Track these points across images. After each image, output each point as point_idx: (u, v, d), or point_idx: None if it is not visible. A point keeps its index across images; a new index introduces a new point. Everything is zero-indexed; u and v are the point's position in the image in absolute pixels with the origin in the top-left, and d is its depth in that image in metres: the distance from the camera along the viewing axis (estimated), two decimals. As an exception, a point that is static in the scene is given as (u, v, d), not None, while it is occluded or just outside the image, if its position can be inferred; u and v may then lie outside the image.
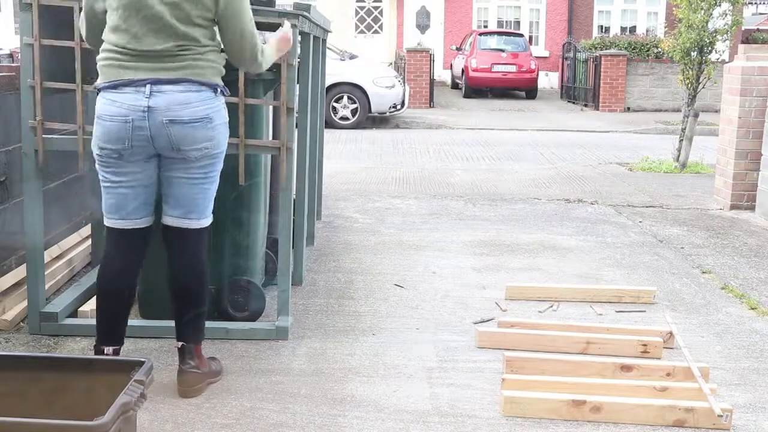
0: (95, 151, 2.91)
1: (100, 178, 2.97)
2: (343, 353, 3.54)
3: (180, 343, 3.09)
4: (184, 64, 2.84)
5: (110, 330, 3.05)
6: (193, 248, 3.05)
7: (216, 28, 2.95)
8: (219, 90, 2.94)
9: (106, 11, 2.90)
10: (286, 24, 3.32)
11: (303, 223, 4.41)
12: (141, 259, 3.08)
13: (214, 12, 2.89)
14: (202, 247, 3.07)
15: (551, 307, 4.25)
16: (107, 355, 2.99)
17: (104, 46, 2.90)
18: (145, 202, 2.99)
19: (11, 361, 2.52)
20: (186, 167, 2.93)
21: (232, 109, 3.53)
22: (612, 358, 3.42)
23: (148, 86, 2.80)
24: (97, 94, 2.90)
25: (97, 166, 2.96)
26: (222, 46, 3.00)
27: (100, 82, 2.89)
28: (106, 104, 2.84)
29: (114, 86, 2.83)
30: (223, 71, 3.00)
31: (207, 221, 3.08)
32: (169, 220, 3.03)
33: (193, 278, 3.06)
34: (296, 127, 3.93)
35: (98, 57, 2.92)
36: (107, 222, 3.02)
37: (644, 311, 4.24)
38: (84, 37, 3.12)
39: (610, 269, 5.04)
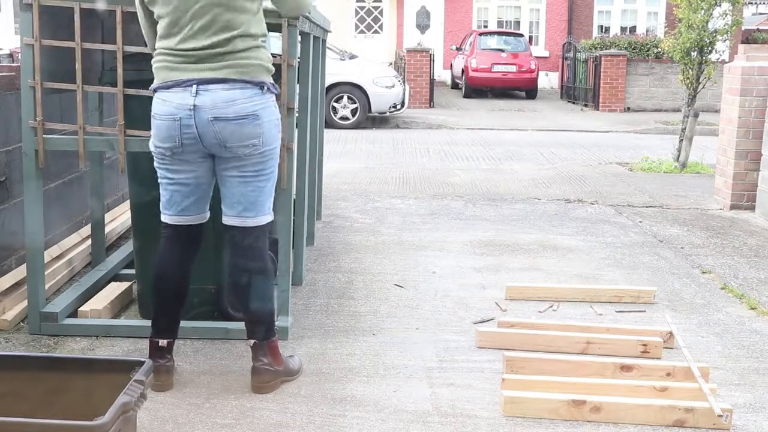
0: (152, 149, 3.01)
1: (158, 174, 3.05)
2: (343, 353, 3.54)
3: (251, 341, 3.14)
4: (229, 63, 2.88)
5: (164, 323, 3.14)
6: (252, 246, 3.08)
7: (261, 15, 3.00)
8: (266, 87, 2.96)
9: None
10: None
11: (303, 223, 4.41)
12: (194, 255, 3.16)
13: None
14: (261, 244, 3.09)
15: (551, 307, 4.25)
16: (161, 347, 3.09)
17: (157, 50, 2.98)
18: (199, 200, 3.07)
19: (11, 361, 2.52)
20: (238, 165, 2.96)
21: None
22: (612, 358, 3.42)
23: (195, 86, 2.86)
24: (153, 95, 2.98)
25: (155, 163, 3.04)
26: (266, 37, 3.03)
27: (154, 84, 2.97)
28: (158, 103, 2.93)
29: (167, 87, 2.91)
30: (272, 69, 3.01)
31: (266, 218, 3.09)
32: (227, 219, 3.07)
33: (253, 276, 3.08)
34: (296, 127, 3.93)
35: (153, 60, 3.00)
36: (162, 217, 3.10)
37: (644, 311, 4.24)
38: (149, 47, 3.18)
39: (610, 269, 5.04)
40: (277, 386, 3.13)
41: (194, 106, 2.85)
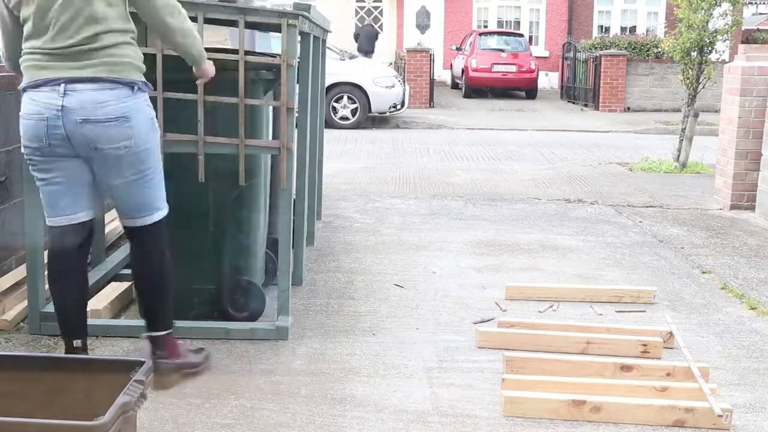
0: (23, 150, 2.96)
1: (34, 177, 3.00)
2: (343, 353, 3.54)
3: (146, 335, 3.13)
4: (98, 61, 2.83)
5: (72, 325, 3.10)
6: (149, 243, 3.09)
7: (127, 10, 2.92)
8: (137, 87, 2.91)
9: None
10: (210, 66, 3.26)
11: (303, 223, 4.41)
12: (86, 253, 3.12)
13: None
14: (157, 241, 3.09)
15: (551, 307, 4.25)
16: (77, 348, 3.05)
17: (25, 50, 2.91)
18: (77, 198, 2.99)
19: (11, 361, 2.52)
20: (115, 166, 2.91)
21: (231, 109, 3.55)
22: (612, 358, 3.42)
23: (63, 85, 2.80)
24: (22, 95, 2.92)
25: (29, 166, 3.00)
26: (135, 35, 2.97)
27: (23, 83, 2.92)
28: (27, 103, 2.88)
29: (35, 86, 2.85)
30: (143, 67, 2.97)
31: (158, 215, 3.07)
32: (122, 220, 3.10)
33: (152, 272, 3.10)
34: (296, 127, 3.93)
35: (20, 60, 2.93)
36: (47, 221, 3.05)
37: (644, 311, 4.24)
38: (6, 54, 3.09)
39: (610, 269, 5.04)
40: (177, 381, 3.09)
41: (62, 107, 2.80)
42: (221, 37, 9.16)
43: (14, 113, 4.00)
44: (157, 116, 3.09)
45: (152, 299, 3.12)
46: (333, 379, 3.27)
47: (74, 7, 2.80)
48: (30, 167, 2.98)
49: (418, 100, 17.07)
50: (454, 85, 21.71)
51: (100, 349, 3.51)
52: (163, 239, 3.11)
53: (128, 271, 4.38)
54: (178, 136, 3.57)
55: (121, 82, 2.85)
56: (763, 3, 28.01)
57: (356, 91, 13.77)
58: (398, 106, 14.26)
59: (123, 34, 2.89)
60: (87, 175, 2.96)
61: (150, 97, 3.13)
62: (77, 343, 3.06)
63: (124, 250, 4.71)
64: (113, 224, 5.23)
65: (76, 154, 2.89)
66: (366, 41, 20.26)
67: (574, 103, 19.32)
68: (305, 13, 3.84)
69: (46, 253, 3.36)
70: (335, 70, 12.67)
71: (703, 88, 9.48)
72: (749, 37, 22.07)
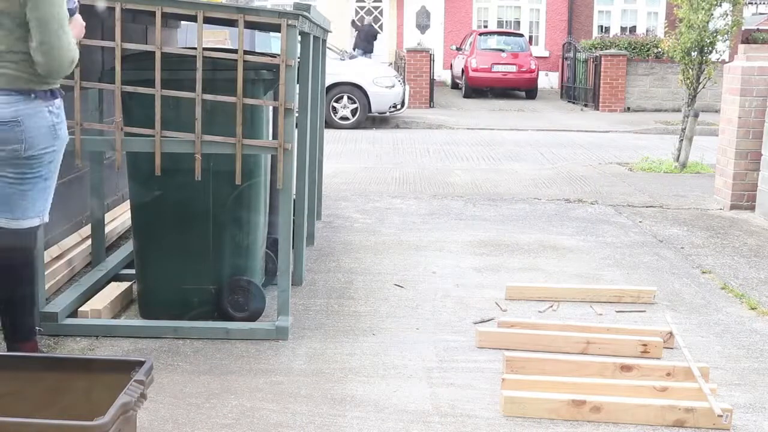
0: None
1: None
2: (343, 353, 3.54)
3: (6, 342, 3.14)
4: None
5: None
6: (14, 247, 3.05)
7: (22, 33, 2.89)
8: (34, 95, 2.93)
9: None
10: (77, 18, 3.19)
11: (303, 223, 4.41)
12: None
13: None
14: (23, 246, 3.06)
15: (551, 307, 4.25)
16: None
17: None
18: None
19: (11, 361, 2.52)
20: (0, 166, 2.94)
21: (232, 108, 3.54)
22: (612, 358, 3.42)
23: None
24: None
25: None
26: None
27: None
28: None
29: None
30: (41, 78, 2.93)
31: (27, 223, 3.05)
32: None
33: (13, 278, 3.07)
34: (296, 127, 3.93)
35: None
36: None
37: (644, 311, 4.24)
38: None
39: (610, 269, 5.04)
40: None
41: None
42: (221, 37, 9.16)
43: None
44: (154, 115, 3.07)
45: (13, 307, 3.10)
46: (333, 379, 3.27)
47: None
48: None
49: (418, 100, 17.07)
50: (454, 85, 21.71)
51: (100, 349, 3.51)
52: (28, 249, 3.08)
53: (128, 271, 4.40)
54: (175, 134, 3.57)
55: (15, 90, 2.89)
56: (763, 3, 28.00)
57: (356, 91, 13.77)
58: (398, 106, 14.26)
59: (18, 55, 2.88)
60: None
61: (149, 96, 3.11)
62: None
63: (124, 250, 4.71)
64: (113, 224, 5.23)
65: None
66: (364, 40, 20.24)
67: (574, 103, 19.32)
68: (305, 13, 3.84)
69: (46, 253, 3.37)
70: (335, 70, 12.67)
71: (703, 88, 9.48)
72: (749, 37, 22.05)
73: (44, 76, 2.93)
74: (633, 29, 23.16)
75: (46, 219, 3.14)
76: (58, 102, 3.04)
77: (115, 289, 4.13)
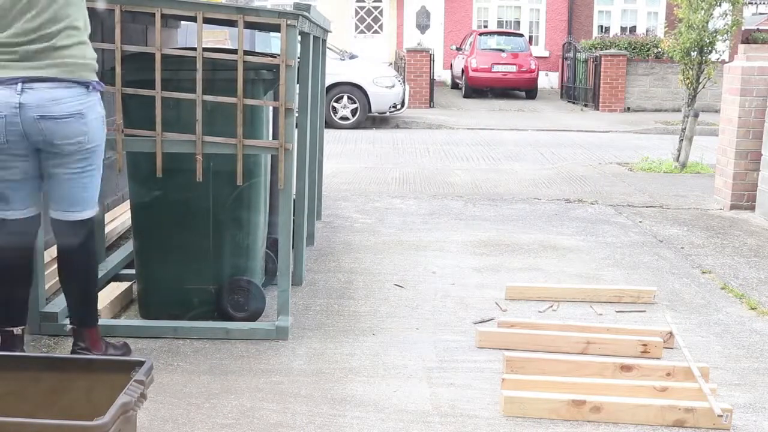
0: None
1: None
2: (343, 353, 3.54)
3: (71, 327, 3.28)
4: (56, 62, 2.90)
5: (9, 311, 3.17)
6: (79, 238, 3.15)
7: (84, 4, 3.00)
8: (91, 86, 3.00)
9: None
10: None
11: (303, 223, 4.41)
12: (31, 246, 3.21)
13: None
14: (86, 237, 3.17)
15: (551, 307, 4.25)
16: (16, 335, 3.15)
17: None
18: (30, 194, 3.09)
19: (11, 361, 2.52)
20: (63, 162, 3.01)
21: (232, 108, 3.54)
22: (612, 358, 3.42)
23: (20, 84, 2.87)
24: None
25: None
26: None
27: None
28: None
29: None
30: (96, 67, 3.05)
31: (90, 212, 3.16)
32: (53, 213, 3.14)
33: (80, 265, 3.19)
34: (296, 127, 3.93)
35: None
36: None
37: (644, 311, 4.24)
38: None
39: (610, 269, 5.04)
40: None
41: (19, 104, 2.87)
42: (221, 37, 9.16)
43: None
44: (155, 116, 3.10)
45: (77, 294, 3.23)
46: (333, 379, 3.27)
47: (40, 5, 2.87)
48: None
49: (418, 100, 17.08)
50: (454, 85, 21.71)
51: (100, 349, 3.50)
52: (90, 237, 3.20)
53: (128, 271, 4.40)
54: (176, 135, 3.57)
55: (76, 81, 2.95)
56: (763, 3, 28.00)
57: (356, 91, 13.77)
58: (398, 106, 14.26)
59: (79, 32, 2.97)
60: (38, 173, 3.06)
61: (149, 97, 3.12)
62: (18, 330, 3.16)
63: (124, 250, 4.71)
64: (113, 224, 5.23)
65: (33, 149, 2.97)
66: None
67: (574, 103, 19.32)
68: (305, 13, 3.84)
69: (45, 253, 3.37)
70: (335, 70, 12.68)
71: (703, 88, 9.48)
72: (749, 37, 22.07)
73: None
74: (633, 29, 23.17)
75: (97, 209, 3.24)
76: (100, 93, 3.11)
77: (115, 289, 4.13)
